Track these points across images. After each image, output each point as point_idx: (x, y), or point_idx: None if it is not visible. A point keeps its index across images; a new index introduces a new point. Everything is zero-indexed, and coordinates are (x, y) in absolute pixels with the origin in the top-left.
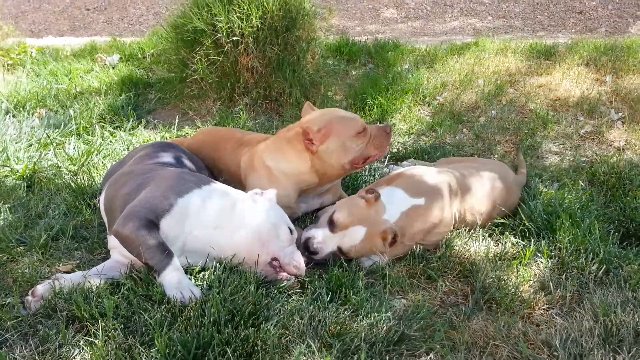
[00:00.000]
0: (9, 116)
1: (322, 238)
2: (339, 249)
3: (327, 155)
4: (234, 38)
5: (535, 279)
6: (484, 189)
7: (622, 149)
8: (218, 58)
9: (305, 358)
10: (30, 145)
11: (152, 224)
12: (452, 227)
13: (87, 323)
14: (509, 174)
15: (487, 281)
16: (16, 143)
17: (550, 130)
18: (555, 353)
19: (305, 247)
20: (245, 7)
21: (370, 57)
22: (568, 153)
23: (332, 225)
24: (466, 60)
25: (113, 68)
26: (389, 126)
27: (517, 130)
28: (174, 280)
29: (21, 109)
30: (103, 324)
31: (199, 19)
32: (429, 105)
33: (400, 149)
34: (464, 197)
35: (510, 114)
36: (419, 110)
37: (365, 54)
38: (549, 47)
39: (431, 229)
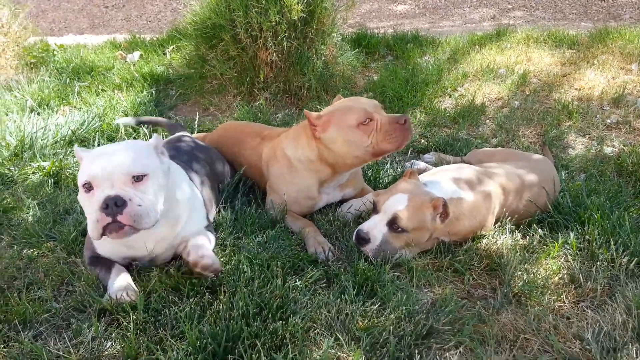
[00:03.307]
0: (34, 114)
1: (368, 224)
2: (390, 224)
3: (331, 144)
4: (253, 33)
5: (564, 272)
6: (528, 193)
7: None
8: (237, 53)
9: (334, 351)
10: (56, 142)
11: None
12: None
13: (119, 316)
14: (552, 171)
15: (516, 274)
16: (42, 140)
17: (575, 120)
18: (588, 347)
19: (358, 240)
20: (263, 2)
21: (389, 49)
22: (594, 143)
23: (375, 211)
24: (487, 50)
25: (134, 65)
26: (405, 117)
27: (542, 121)
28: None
29: (45, 106)
30: (134, 317)
31: (217, 15)
32: (450, 96)
33: (422, 141)
34: (507, 201)
35: (534, 105)
36: (440, 101)
37: (384, 46)
38: (572, 36)
39: (472, 230)
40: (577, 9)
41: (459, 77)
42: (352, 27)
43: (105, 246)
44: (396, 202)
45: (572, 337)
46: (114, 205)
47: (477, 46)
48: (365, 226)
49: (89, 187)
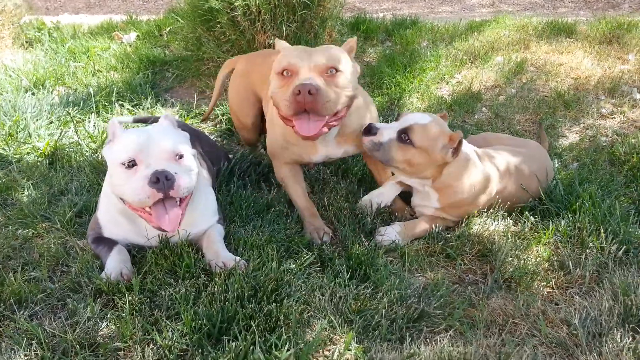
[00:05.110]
0: (29, 94)
1: (383, 124)
2: (401, 132)
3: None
4: (251, 17)
5: (554, 259)
6: (525, 176)
7: None
8: (235, 37)
9: (327, 333)
10: (51, 122)
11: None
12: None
13: (114, 297)
14: (547, 159)
15: (507, 260)
16: (37, 120)
17: (570, 109)
18: (575, 331)
19: (365, 130)
20: None
21: (388, 34)
22: (588, 132)
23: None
24: (486, 37)
25: (130, 46)
26: (302, 87)
27: (537, 109)
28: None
29: (40, 86)
30: (130, 298)
31: None
32: (447, 83)
33: None
34: (505, 183)
35: (530, 93)
36: (437, 88)
37: (383, 31)
38: (570, 25)
39: (464, 202)
40: None
41: (457, 64)
42: (351, 10)
43: (113, 229)
44: (417, 117)
45: (559, 322)
46: (165, 179)
47: (475, 33)
48: (379, 124)
49: (132, 164)
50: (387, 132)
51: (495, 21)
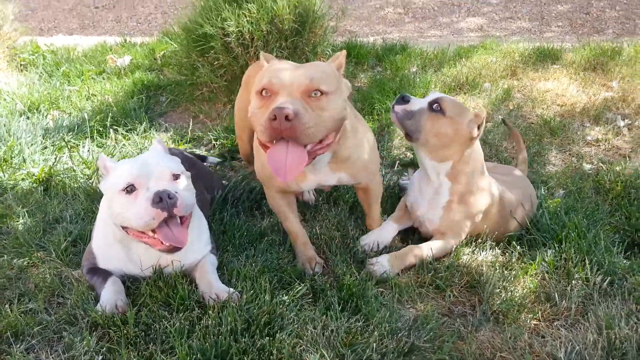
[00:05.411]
0: (23, 118)
1: (413, 97)
2: (432, 103)
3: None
4: (244, 42)
5: (541, 290)
6: (510, 207)
7: (628, 156)
8: (228, 61)
9: None
10: (45, 147)
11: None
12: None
13: (110, 330)
14: (530, 187)
15: (494, 292)
16: (31, 145)
17: (556, 136)
18: None
19: (398, 99)
20: (254, 12)
21: (378, 59)
22: (574, 160)
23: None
24: (473, 63)
25: (124, 70)
26: (278, 112)
27: (524, 136)
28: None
29: (35, 110)
30: (125, 331)
31: (209, 23)
32: None
33: (408, 154)
34: (490, 213)
35: (517, 120)
36: None
37: (373, 56)
38: (556, 51)
39: (474, 202)
40: (562, 22)
41: (445, 90)
42: (342, 34)
43: (107, 260)
44: (444, 95)
45: (545, 356)
46: (167, 197)
47: (463, 59)
48: (410, 96)
49: (131, 189)
50: (419, 102)
51: (482, 47)
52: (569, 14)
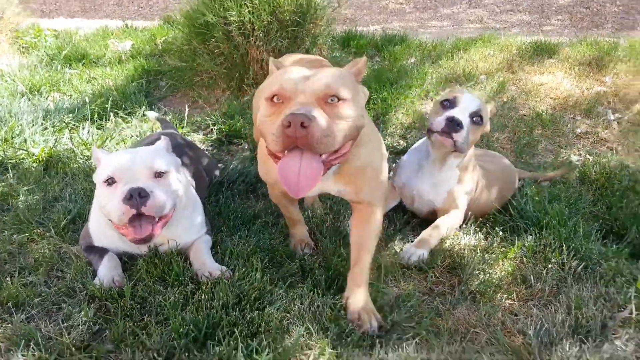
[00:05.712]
0: (24, 99)
1: (453, 111)
2: (472, 115)
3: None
4: (245, 32)
5: (518, 273)
6: (496, 184)
7: (615, 149)
8: (229, 50)
9: (304, 339)
10: (46, 128)
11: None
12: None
13: (107, 302)
14: (511, 168)
15: (474, 274)
16: (32, 126)
17: (547, 128)
18: (529, 341)
19: (450, 125)
20: (256, 3)
21: (378, 50)
22: (562, 152)
23: (445, 107)
24: (471, 56)
25: (125, 54)
26: (294, 119)
27: (516, 128)
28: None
29: (36, 92)
30: (121, 303)
31: (211, 12)
32: (432, 100)
33: (402, 142)
34: (475, 195)
35: (510, 112)
36: (422, 105)
37: (373, 47)
38: (553, 45)
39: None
40: (562, 15)
41: (442, 81)
42: (342, 22)
43: (103, 240)
44: (472, 97)
45: (516, 332)
46: (137, 195)
47: (461, 51)
48: (453, 112)
49: (111, 181)
50: (462, 118)
51: (481, 40)
52: (570, 7)
